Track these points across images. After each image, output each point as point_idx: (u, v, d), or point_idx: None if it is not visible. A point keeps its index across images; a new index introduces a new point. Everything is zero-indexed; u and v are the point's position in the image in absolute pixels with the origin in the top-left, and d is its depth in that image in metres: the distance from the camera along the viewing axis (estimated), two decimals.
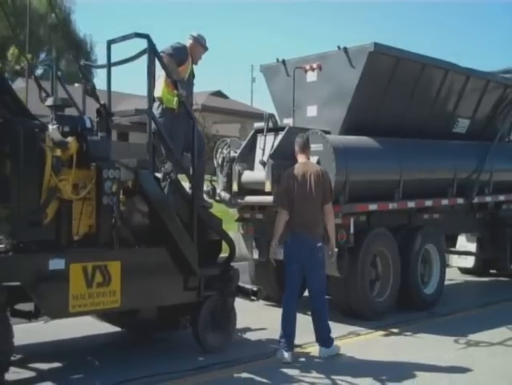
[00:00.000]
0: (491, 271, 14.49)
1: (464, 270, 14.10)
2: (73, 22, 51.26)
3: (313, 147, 8.78)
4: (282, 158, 9.33)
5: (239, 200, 10.11)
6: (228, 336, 7.82)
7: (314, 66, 10.63)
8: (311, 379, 6.75)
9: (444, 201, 11.15)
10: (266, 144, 9.90)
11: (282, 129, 9.88)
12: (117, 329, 8.37)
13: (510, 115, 12.79)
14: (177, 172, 7.63)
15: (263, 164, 9.64)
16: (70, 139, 6.23)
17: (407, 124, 10.87)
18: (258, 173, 9.76)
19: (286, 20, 74.08)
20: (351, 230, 9.42)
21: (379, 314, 9.86)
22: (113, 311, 6.83)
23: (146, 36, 7.00)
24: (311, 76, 10.70)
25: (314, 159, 8.89)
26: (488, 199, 12.13)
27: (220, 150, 10.30)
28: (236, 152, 10.07)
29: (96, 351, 7.72)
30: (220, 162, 10.20)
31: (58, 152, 6.11)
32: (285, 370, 7.11)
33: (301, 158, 8.03)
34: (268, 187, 9.32)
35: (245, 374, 6.90)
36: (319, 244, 7.69)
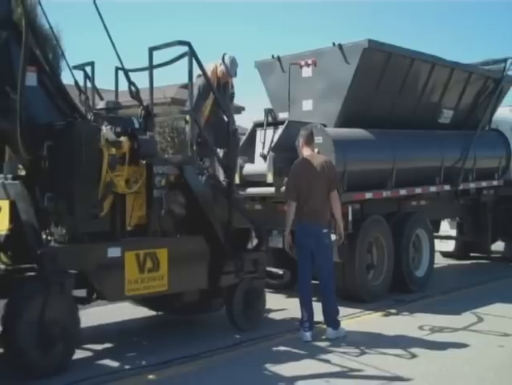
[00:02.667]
0: (471, 254, 15.96)
1: (445, 254, 15.47)
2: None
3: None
4: (283, 151, 10.44)
5: (241, 192, 11.02)
6: (259, 315, 9.09)
7: (310, 62, 11.68)
8: (331, 355, 7.80)
9: (433, 188, 12.57)
10: (266, 138, 10.86)
11: (281, 123, 10.98)
12: (152, 313, 9.60)
13: (490, 104, 14.21)
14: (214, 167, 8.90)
15: (264, 157, 10.49)
16: (123, 138, 7.43)
17: (396, 116, 12.15)
18: (258, 166, 10.82)
19: (256, 14, 74.92)
20: (350, 218, 10.47)
21: (375, 296, 11.06)
22: (161, 294, 7.95)
23: (187, 43, 8.22)
24: (307, 72, 11.75)
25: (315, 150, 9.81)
26: (472, 185, 13.69)
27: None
28: None
29: (140, 333, 8.94)
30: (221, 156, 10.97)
31: (113, 151, 7.27)
32: (309, 345, 8.28)
33: (306, 151, 8.90)
34: (270, 179, 10.37)
35: (277, 348, 8.14)
36: (325, 230, 8.56)
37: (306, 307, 8.55)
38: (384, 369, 7.08)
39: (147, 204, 7.65)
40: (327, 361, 7.49)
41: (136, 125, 7.70)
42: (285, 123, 10.80)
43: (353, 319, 9.70)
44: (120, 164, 7.27)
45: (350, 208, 10.51)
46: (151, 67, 8.53)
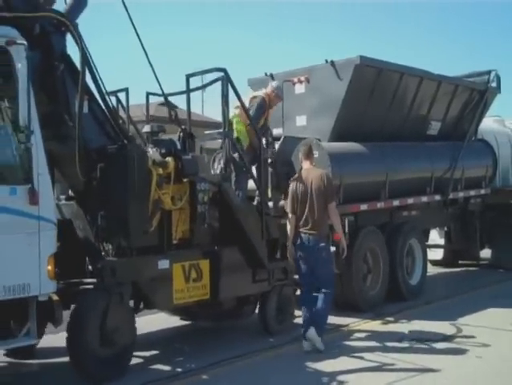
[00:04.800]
0: (460, 262, 17.24)
1: (434, 262, 16.59)
2: None
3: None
4: (280, 166, 11.20)
5: None
6: (289, 319, 10.13)
7: (302, 78, 12.55)
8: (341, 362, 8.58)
9: (424, 198, 13.64)
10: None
11: (277, 139, 11.74)
12: (182, 322, 10.77)
13: (476, 115, 15.33)
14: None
15: None
16: (168, 159, 8.41)
17: (387, 129, 13.18)
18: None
19: (235, 31, 76.84)
20: (346, 229, 11.13)
21: (372, 305, 11.92)
22: (204, 302, 8.99)
23: (223, 70, 9.30)
24: (300, 88, 12.61)
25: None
26: (461, 194, 14.87)
27: (218, 160, 11.67)
28: None
29: (180, 340, 10.02)
30: (218, 172, 11.60)
31: (160, 171, 8.26)
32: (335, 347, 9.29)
33: (305, 164, 9.51)
34: (269, 193, 11.01)
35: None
36: (323, 244, 9.12)
37: (308, 319, 9.10)
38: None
39: (190, 218, 8.69)
40: (360, 358, 8.62)
41: (179, 146, 8.74)
42: (281, 139, 11.59)
43: (353, 328, 10.48)
44: (166, 182, 8.29)
45: (346, 220, 11.28)
46: (188, 92, 9.60)
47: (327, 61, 12.12)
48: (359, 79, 11.92)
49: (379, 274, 12.13)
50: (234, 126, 10.30)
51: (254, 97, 10.53)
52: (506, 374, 7.89)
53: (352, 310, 11.39)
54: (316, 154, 10.98)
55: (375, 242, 12.11)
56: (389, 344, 9.34)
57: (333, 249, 9.89)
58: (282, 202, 10.22)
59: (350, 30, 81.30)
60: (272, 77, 12.98)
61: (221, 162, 11.49)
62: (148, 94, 10.81)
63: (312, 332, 8.99)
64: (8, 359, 8.65)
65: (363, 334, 10.06)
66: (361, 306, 11.60)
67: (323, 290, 9.10)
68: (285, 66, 12.64)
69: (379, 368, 8.28)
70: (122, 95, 10.43)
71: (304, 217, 9.14)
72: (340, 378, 7.87)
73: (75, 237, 7.89)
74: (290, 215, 9.35)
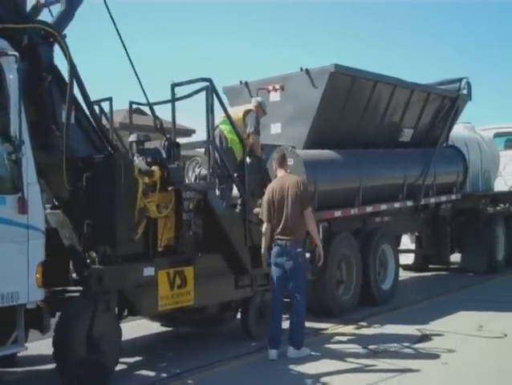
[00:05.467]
0: (430, 266, 17.76)
1: (405, 267, 16.93)
2: None
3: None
4: (256, 173, 11.19)
5: None
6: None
7: (277, 86, 12.81)
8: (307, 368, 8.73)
9: (396, 204, 14.01)
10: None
11: None
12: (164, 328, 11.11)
13: (448, 122, 15.79)
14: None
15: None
16: (154, 167, 8.61)
17: (361, 136, 13.49)
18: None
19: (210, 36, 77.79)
20: (321, 236, 11.31)
21: (345, 310, 12.19)
22: (187, 308, 9.20)
23: (209, 80, 9.57)
24: (274, 96, 12.86)
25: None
26: (432, 200, 15.26)
27: (192, 168, 11.85)
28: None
29: (163, 346, 10.15)
30: (193, 180, 11.60)
31: (146, 179, 8.45)
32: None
33: (280, 172, 9.68)
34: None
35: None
36: (299, 249, 9.24)
37: (275, 326, 9.28)
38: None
39: (176, 226, 8.92)
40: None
41: (164, 155, 8.93)
42: None
43: (327, 333, 10.73)
44: (152, 191, 8.49)
45: (321, 227, 11.45)
46: (173, 101, 9.85)
47: (301, 69, 12.35)
48: (333, 86, 12.17)
49: (353, 280, 12.40)
50: (227, 135, 10.48)
51: (249, 110, 10.77)
52: (471, 379, 8.07)
53: (326, 315, 11.62)
54: (291, 161, 11.29)
55: (348, 248, 12.37)
56: (363, 348, 9.48)
57: (308, 255, 10.13)
58: (256, 210, 10.32)
59: (323, 37, 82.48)
60: (247, 85, 13.24)
61: (196, 170, 11.69)
62: (131, 103, 11.05)
63: (291, 352, 9.13)
64: None
65: (339, 338, 10.28)
66: (334, 311, 11.85)
67: (296, 298, 9.20)
68: (259, 74, 13.03)
69: (361, 369, 8.53)
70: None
71: (281, 224, 9.25)
72: (324, 379, 8.11)
73: (60, 246, 7.99)
74: (265, 224, 9.47)
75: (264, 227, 9.50)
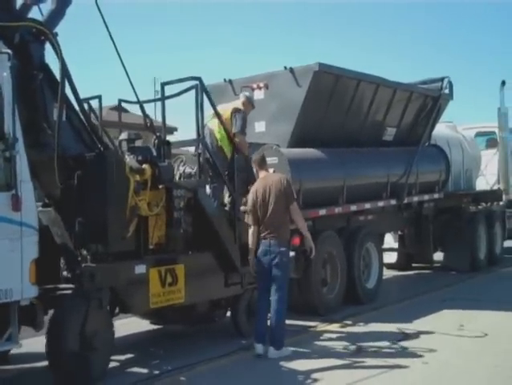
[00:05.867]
0: (413, 265, 18.02)
1: (388, 266, 17.19)
2: None
3: (268, 160, 11.11)
4: (240, 171, 11.31)
5: None
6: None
7: (262, 85, 12.98)
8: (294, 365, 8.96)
9: (380, 203, 14.23)
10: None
11: None
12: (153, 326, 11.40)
13: (430, 121, 16.09)
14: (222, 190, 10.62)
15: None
16: (145, 165, 8.75)
17: (344, 135, 13.67)
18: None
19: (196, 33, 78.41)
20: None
21: (330, 309, 12.38)
22: (178, 305, 9.35)
23: (198, 78, 9.78)
24: (259, 94, 12.96)
25: (270, 171, 10.92)
26: (415, 199, 15.56)
27: (176, 167, 11.77)
28: (192, 168, 11.54)
29: (154, 344, 10.48)
30: (177, 179, 11.69)
31: (137, 177, 8.61)
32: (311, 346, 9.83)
33: (261, 174, 9.86)
34: (226, 199, 11.28)
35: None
36: (283, 248, 9.39)
37: (261, 321, 9.48)
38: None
39: (166, 224, 9.09)
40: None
41: (155, 153, 9.12)
42: None
43: (311, 331, 10.95)
44: (143, 189, 8.66)
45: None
46: (163, 100, 9.99)
47: (286, 67, 12.53)
48: (317, 85, 12.34)
49: (337, 278, 12.56)
50: (216, 134, 10.67)
51: (237, 109, 10.88)
52: (450, 379, 8.20)
53: (311, 313, 11.79)
54: (276, 160, 11.55)
55: (333, 247, 12.52)
56: (345, 348, 9.69)
57: (292, 254, 10.27)
58: (242, 208, 10.42)
59: (307, 37, 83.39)
60: (231, 83, 13.41)
61: (181, 168, 11.81)
62: (120, 101, 11.24)
63: (271, 352, 9.22)
64: None
65: (325, 337, 10.47)
66: (319, 310, 12.02)
67: (276, 295, 9.32)
68: (243, 73, 13.26)
69: (351, 366, 8.75)
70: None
71: (266, 223, 9.41)
72: (315, 376, 8.30)
73: (51, 244, 8.10)
74: (252, 227, 9.60)
75: (250, 231, 9.62)
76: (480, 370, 8.47)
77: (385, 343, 9.84)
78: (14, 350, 8.48)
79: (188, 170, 11.28)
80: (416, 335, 10.33)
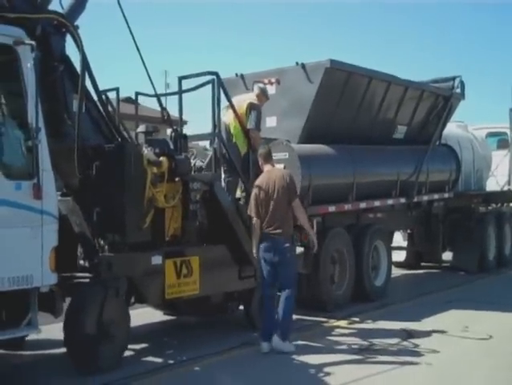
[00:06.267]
0: (422, 264, 18.36)
1: (397, 264, 17.52)
2: None
3: (279, 155, 11.59)
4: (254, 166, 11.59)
5: None
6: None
7: (273, 80, 13.24)
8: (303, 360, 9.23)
9: (389, 201, 14.55)
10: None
11: None
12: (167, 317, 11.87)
13: (441, 120, 16.38)
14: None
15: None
16: (162, 158, 9.06)
17: (355, 132, 13.95)
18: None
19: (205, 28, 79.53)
20: (314, 230, 11.76)
21: (338, 305, 12.65)
22: (193, 297, 9.72)
23: (215, 73, 10.08)
24: (270, 89, 13.11)
25: (280, 166, 11.36)
26: (425, 198, 15.88)
27: None
28: (203, 162, 11.94)
29: (168, 334, 10.90)
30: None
31: (154, 170, 8.94)
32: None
33: (266, 167, 10.02)
34: (238, 193, 11.67)
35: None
36: (287, 244, 9.56)
37: (269, 319, 9.63)
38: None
39: (182, 216, 9.42)
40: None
41: (172, 146, 9.43)
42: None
43: (320, 328, 11.17)
44: (160, 181, 8.97)
45: (314, 221, 11.97)
46: (180, 93, 10.28)
47: (297, 63, 12.78)
48: (329, 81, 12.59)
49: (346, 275, 12.82)
50: (232, 130, 10.99)
51: (253, 105, 11.12)
52: (452, 380, 8.36)
53: (318, 309, 12.02)
54: (286, 155, 11.80)
55: (342, 243, 12.79)
56: (355, 344, 9.90)
57: (301, 249, 10.52)
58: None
59: (320, 33, 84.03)
60: (243, 78, 13.68)
61: (192, 162, 12.09)
62: (137, 93, 11.55)
63: (276, 341, 9.46)
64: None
65: (334, 332, 10.71)
66: (328, 306, 12.26)
67: (285, 291, 9.53)
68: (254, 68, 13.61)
69: (354, 364, 8.91)
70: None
71: (268, 218, 9.57)
72: (327, 369, 8.57)
73: (69, 233, 8.37)
74: (254, 219, 9.76)
75: (253, 222, 9.82)
76: (483, 372, 8.62)
77: (389, 342, 10.03)
78: (31, 337, 8.81)
79: (199, 163, 11.55)
80: (420, 335, 10.48)
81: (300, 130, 12.83)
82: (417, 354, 9.42)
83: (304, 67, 12.75)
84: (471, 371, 8.67)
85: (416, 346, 9.84)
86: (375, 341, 10.09)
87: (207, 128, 10.81)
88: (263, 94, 11.65)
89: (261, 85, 11.96)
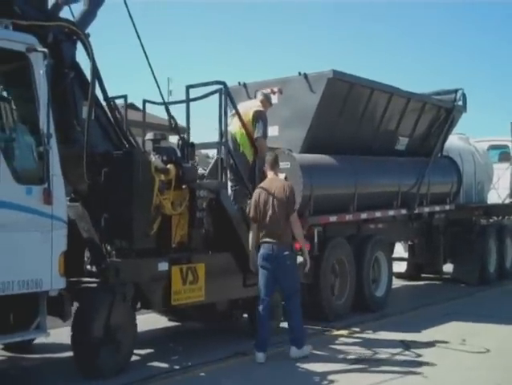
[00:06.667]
0: (423, 275, 18.70)
1: (397, 275, 17.74)
2: None
3: (281, 165, 11.56)
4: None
5: None
6: (277, 323, 11.12)
7: (275, 89, 13.47)
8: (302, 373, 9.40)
9: (391, 212, 14.85)
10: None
11: None
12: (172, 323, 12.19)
13: (443, 132, 16.72)
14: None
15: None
16: (169, 166, 9.35)
17: (357, 143, 14.21)
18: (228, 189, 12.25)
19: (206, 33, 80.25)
20: (315, 240, 12.08)
21: (338, 315, 12.89)
22: (198, 304, 9.96)
23: (223, 83, 10.45)
24: (273, 99, 13.28)
25: (281, 176, 11.44)
26: (426, 209, 16.17)
27: None
28: (205, 170, 12.13)
29: (173, 340, 11.21)
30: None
31: (162, 177, 9.21)
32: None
33: (270, 174, 10.26)
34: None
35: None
36: (286, 252, 9.73)
37: (264, 328, 9.78)
38: None
39: (189, 223, 9.66)
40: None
41: (179, 154, 9.72)
42: None
43: (319, 337, 11.37)
44: (167, 188, 9.24)
45: (316, 231, 12.29)
46: (187, 102, 10.51)
47: (300, 73, 13.04)
48: (331, 92, 12.84)
49: (346, 285, 13.04)
50: (238, 139, 11.28)
51: (259, 113, 11.36)
52: None
53: (319, 318, 12.19)
54: (288, 164, 12.02)
55: (342, 253, 13.00)
56: (351, 355, 10.05)
57: (300, 259, 10.48)
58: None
59: (321, 43, 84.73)
60: (245, 86, 13.95)
61: None
62: (144, 101, 11.72)
63: (294, 351, 9.70)
64: (7, 353, 9.54)
65: (332, 342, 10.90)
66: (328, 316, 12.48)
67: (290, 301, 9.81)
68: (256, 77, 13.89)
69: (365, 370, 9.20)
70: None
71: (265, 227, 9.81)
72: (330, 377, 8.82)
73: (77, 238, 8.61)
74: (252, 224, 10.07)
75: (251, 228, 10.11)
76: None
77: (387, 353, 10.17)
78: (39, 340, 9.11)
79: (201, 171, 11.60)
80: (418, 346, 10.60)
81: (302, 140, 13.04)
82: (414, 365, 9.54)
83: (307, 77, 13.01)
84: (466, 384, 8.82)
85: (414, 357, 10.01)
86: (370, 352, 10.27)
87: (204, 134, 11.11)
88: (267, 100, 11.95)
89: (264, 91, 12.25)
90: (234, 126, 11.39)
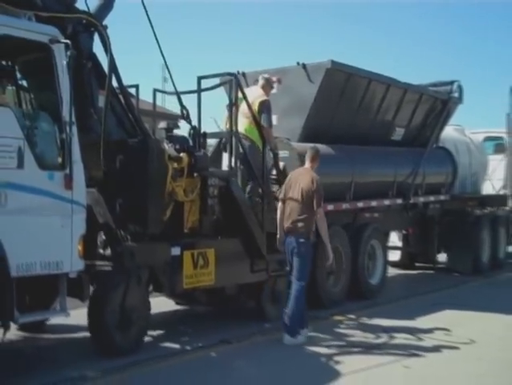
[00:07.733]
0: (416, 264, 19.46)
1: (391, 264, 18.31)
2: None
3: (280, 154, 12.43)
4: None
5: None
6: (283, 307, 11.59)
7: (274, 79, 13.81)
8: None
9: (386, 202, 15.56)
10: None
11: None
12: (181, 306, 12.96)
13: (439, 123, 17.53)
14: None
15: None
16: (182, 154, 10.04)
17: (354, 132, 14.93)
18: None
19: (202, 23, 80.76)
20: (313, 228, 12.72)
21: (334, 302, 13.53)
22: (208, 287, 10.72)
23: (234, 74, 11.16)
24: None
25: (280, 164, 12.34)
26: (421, 199, 16.93)
27: None
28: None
29: (182, 322, 11.96)
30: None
31: (175, 165, 9.90)
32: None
33: (306, 164, 10.99)
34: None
35: None
36: (301, 240, 10.33)
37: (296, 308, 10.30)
38: None
39: (200, 210, 10.35)
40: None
41: (191, 143, 10.39)
42: None
43: (314, 322, 11.70)
44: (180, 176, 9.94)
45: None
46: (199, 92, 11.05)
47: (298, 63, 13.70)
48: (329, 82, 13.55)
49: (342, 273, 13.66)
50: (249, 134, 11.81)
51: (264, 103, 11.96)
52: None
53: (315, 305, 12.39)
54: (286, 153, 12.69)
55: (338, 241, 13.48)
56: (362, 336, 10.84)
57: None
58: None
59: (318, 35, 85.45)
60: (244, 76, 14.52)
61: None
62: (155, 90, 12.39)
63: (286, 339, 10.21)
64: (22, 333, 10.16)
65: (322, 329, 11.32)
66: (324, 303, 13.08)
67: (295, 285, 10.30)
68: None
69: (367, 352, 9.87)
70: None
71: (288, 216, 10.44)
72: (336, 358, 9.48)
73: (92, 222, 9.12)
74: (279, 203, 10.72)
75: (278, 206, 10.79)
76: (462, 378, 8.94)
77: (370, 342, 10.63)
78: (57, 321, 9.82)
79: None
80: (403, 337, 10.93)
81: (300, 129, 13.75)
82: (398, 355, 9.84)
83: (305, 67, 13.69)
84: (450, 376, 8.98)
85: (396, 348, 10.31)
86: (354, 339, 10.78)
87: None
88: (268, 84, 12.55)
89: (265, 75, 12.78)
90: (241, 116, 11.79)
